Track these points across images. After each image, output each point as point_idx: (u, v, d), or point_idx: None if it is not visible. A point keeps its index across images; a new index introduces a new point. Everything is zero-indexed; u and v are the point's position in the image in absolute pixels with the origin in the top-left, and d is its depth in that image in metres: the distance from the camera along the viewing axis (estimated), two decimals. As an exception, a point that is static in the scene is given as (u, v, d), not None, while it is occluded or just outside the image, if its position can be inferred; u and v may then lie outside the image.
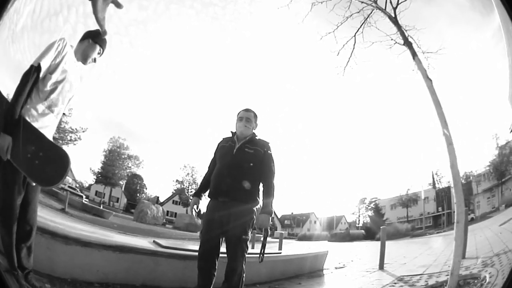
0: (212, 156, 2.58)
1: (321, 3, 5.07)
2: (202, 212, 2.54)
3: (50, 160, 1.72)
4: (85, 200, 12.59)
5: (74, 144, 12.94)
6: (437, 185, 14.52)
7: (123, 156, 15.95)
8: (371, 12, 4.91)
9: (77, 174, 14.97)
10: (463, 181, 12.32)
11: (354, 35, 5.23)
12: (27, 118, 1.73)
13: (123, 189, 16.50)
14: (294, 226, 19.80)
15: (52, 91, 1.87)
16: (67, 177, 1.76)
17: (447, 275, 2.95)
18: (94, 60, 2.13)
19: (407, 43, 4.32)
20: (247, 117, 2.46)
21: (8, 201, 1.70)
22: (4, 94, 1.84)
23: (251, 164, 2.32)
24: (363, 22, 5.11)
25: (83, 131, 13.19)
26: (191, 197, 2.58)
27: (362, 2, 4.71)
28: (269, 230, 2.34)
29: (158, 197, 17.04)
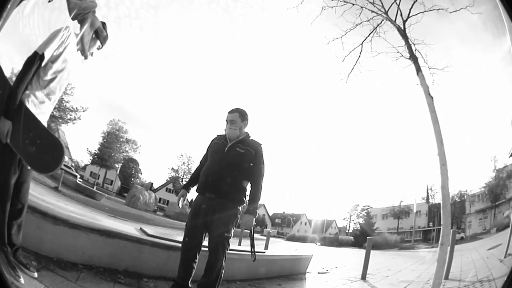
0: (205, 151, 2.59)
1: (332, 7, 5.06)
2: (190, 201, 2.56)
3: (46, 148, 1.77)
4: (79, 180, 12.62)
5: (74, 123, 12.95)
6: (430, 200, 14.55)
7: (121, 140, 15.98)
8: (380, 22, 4.90)
9: (74, 153, 15.02)
10: (457, 199, 12.35)
11: (362, 43, 5.23)
12: (26, 104, 1.76)
13: (118, 172, 16.55)
14: (284, 225, 19.86)
15: (52, 79, 1.90)
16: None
17: (427, 294, 2.96)
18: (92, 54, 2.19)
19: (413, 58, 4.32)
20: (231, 119, 2.44)
21: (3, 180, 1.75)
22: (7, 70, 1.86)
23: (241, 164, 2.33)
24: (372, 31, 5.10)
25: (84, 111, 13.19)
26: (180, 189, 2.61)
27: (372, 12, 4.70)
28: (253, 230, 2.37)
29: (152, 183, 17.10)
